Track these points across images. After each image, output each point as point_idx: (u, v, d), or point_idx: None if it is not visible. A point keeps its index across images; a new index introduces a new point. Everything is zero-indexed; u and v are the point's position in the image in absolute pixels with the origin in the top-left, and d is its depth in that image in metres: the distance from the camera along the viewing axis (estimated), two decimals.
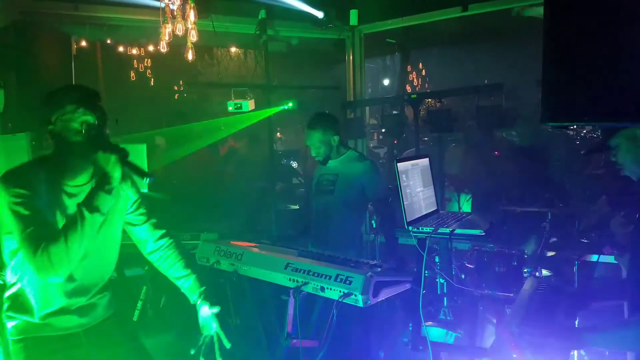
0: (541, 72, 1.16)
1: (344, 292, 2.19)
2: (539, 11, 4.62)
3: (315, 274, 2.33)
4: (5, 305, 1.98)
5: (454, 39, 7.06)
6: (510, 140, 5.53)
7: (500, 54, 8.04)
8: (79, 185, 1.96)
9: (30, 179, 1.84)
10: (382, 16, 5.45)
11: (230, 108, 5.22)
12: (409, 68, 8.85)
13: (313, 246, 3.17)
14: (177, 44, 4.17)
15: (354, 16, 5.41)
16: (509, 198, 4.00)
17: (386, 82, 15.28)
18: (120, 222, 2.15)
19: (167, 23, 3.78)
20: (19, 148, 3.71)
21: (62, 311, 1.97)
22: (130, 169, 1.88)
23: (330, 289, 2.25)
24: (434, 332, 2.78)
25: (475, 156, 5.15)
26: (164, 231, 2.26)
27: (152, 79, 7.93)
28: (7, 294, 1.98)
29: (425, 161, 2.49)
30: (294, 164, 7.71)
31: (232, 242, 2.83)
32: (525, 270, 2.82)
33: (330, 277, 2.28)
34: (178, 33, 3.80)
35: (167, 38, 3.86)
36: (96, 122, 1.88)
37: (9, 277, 1.97)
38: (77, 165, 1.94)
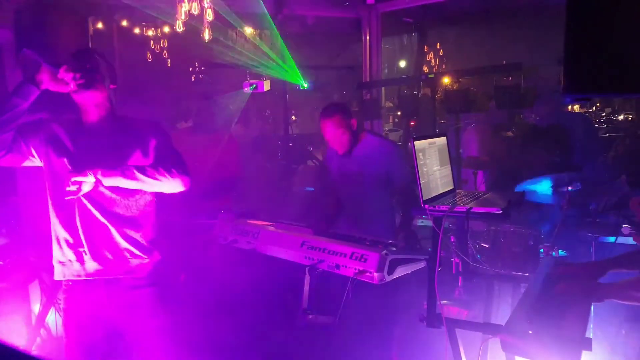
0: (563, 44, 1.14)
1: (359, 269, 2.20)
2: None
3: (331, 252, 2.35)
4: None
5: (472, 18, 6.94)
6: (526, 122, 5.44)
7: (519, 33, 7.89)
8: None
9: None
10: None
11: (246, 89, 5.21)
12: (426, 48, 8.72)
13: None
14: (192, 24, 4.15)
15: None
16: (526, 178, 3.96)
17: (402, 64, 15.10)
18: None
19: (183, 2, 3.77)
20: None
21: None
22: None
23: (346, 266, 2.27)
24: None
25: (493, 137, 5.09)
26: None
27: (169, 60, 7.94)
28: None
29: (442, 140, 2.47)
30: (310, 148, 7.70)
31: (248, 221, 2.87)
32: (542, 249, 2.80)
33: (345, 254, 2.29)
34: (194, 12, 3.78)
35: (183, 17, 3.85)
36: None
37: None
38: None
